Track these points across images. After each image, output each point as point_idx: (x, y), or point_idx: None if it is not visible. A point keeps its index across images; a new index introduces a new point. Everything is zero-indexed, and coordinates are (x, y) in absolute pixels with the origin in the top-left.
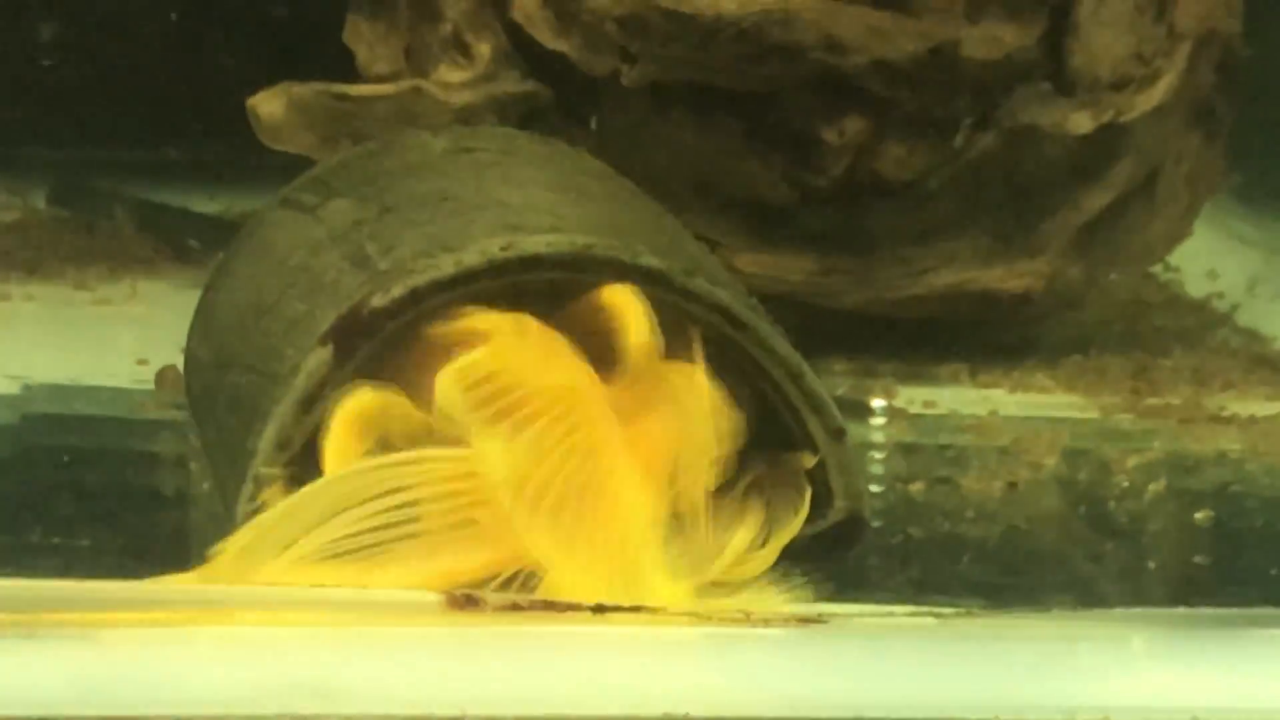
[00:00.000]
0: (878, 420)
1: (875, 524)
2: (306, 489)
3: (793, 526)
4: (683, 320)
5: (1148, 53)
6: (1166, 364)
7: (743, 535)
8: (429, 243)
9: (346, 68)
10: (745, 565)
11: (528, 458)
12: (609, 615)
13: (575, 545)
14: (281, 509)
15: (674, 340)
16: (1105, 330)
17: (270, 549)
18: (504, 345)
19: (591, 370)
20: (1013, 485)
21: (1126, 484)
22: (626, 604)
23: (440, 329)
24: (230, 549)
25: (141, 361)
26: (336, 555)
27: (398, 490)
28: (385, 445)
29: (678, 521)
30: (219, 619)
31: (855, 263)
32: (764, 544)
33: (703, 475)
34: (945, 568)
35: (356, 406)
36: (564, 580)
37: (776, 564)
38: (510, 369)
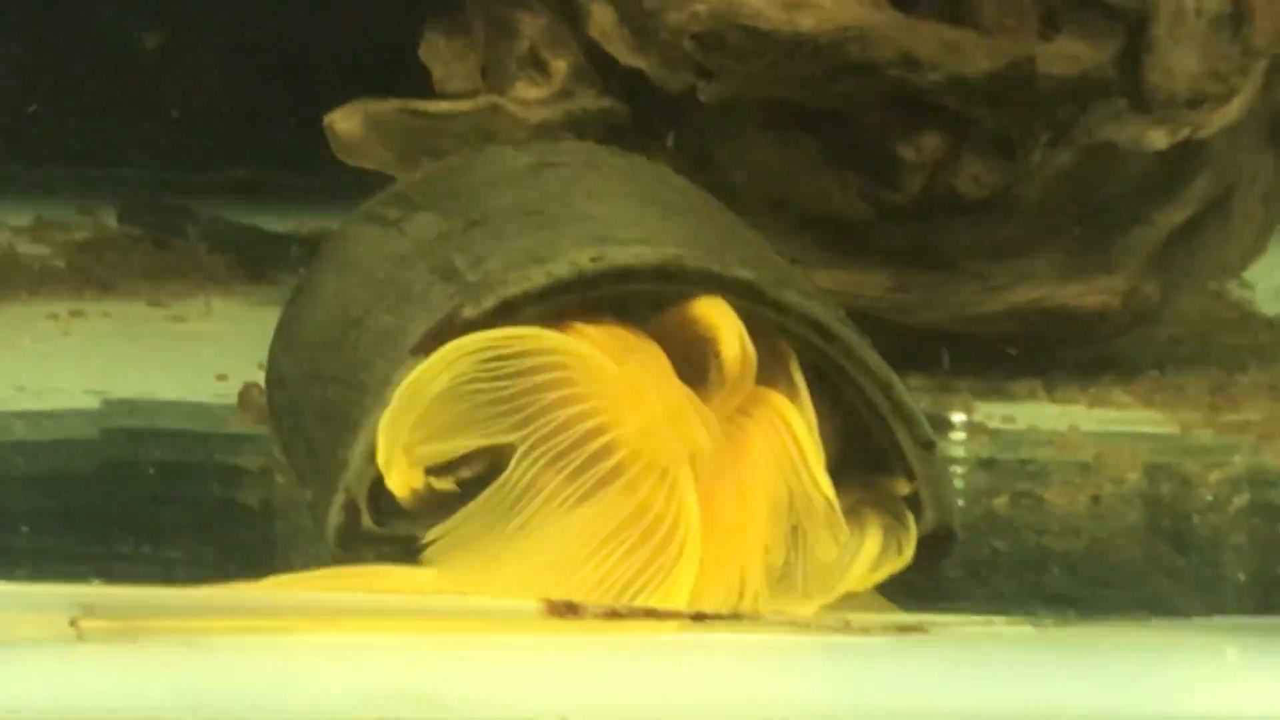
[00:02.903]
0: (958, 435)
1: (960, 537)
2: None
3: (904, 555)
4: (774, 337)
5: (1223, 70)
6: (1243, 380)
7: (869, 551)
8: (518, 255)
9: (423, 85)
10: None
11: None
12: (708, 623)
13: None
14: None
15: (767, 358)
16: (1180, 347)
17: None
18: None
19: (689, 393)
20: (1096, 499)
21: (1210, 498)
22: (725, 611)
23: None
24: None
25: (221, 377)
26: None
27: None
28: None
29: (801, 540)
30: (320, 625)
31: (931, 279)
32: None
33: (813, 492)
34: (1031, 581)
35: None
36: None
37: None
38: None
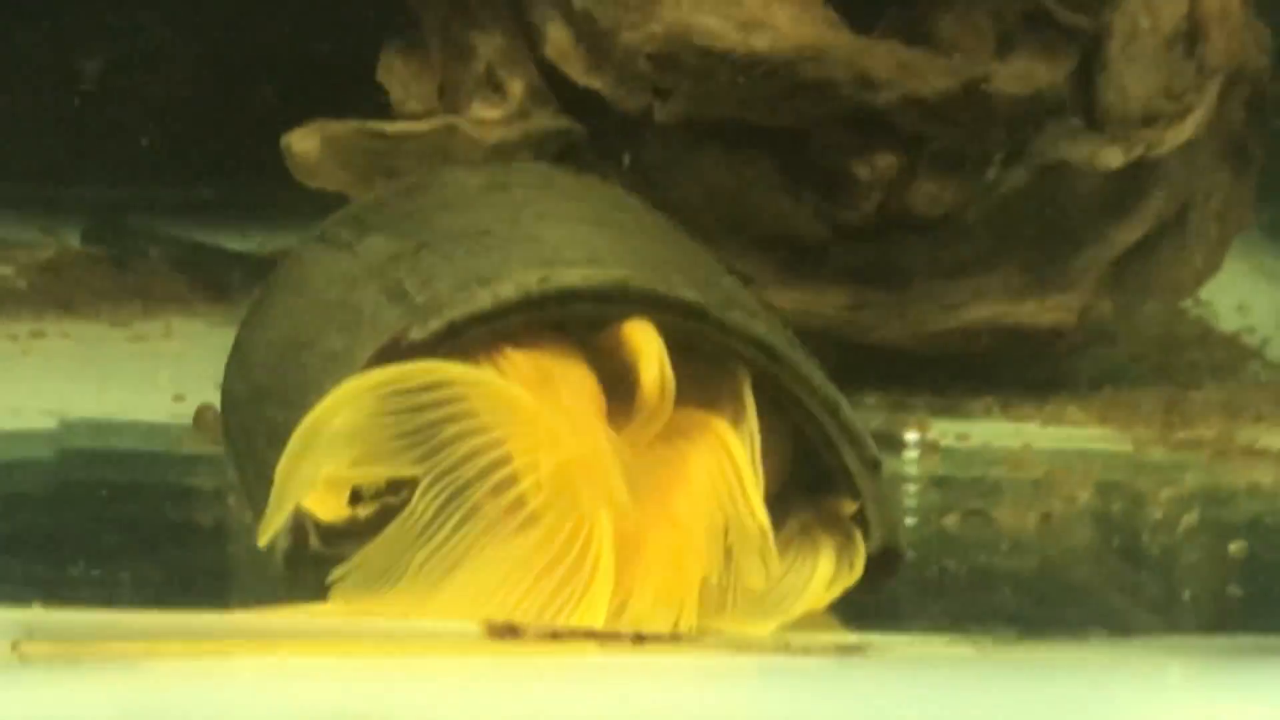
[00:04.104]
0: (911, 453)
1: (910, 556)
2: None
3: (855, 571)
4: (725, 358)
5: (1178, 88)
6: (1198, 397)
7: (823, 571)
8: (466, 277)
9: (380, 106)
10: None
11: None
12: (649, 644)
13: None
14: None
15: (716, 378)
16: (1137, 364)
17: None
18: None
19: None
20: (1047, 517)
21: (1160, 516)
22: (667, 632)
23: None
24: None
25: (178, 398)
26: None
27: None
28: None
29: (733, 567)
30: (262, 649)
31: (887, 298)
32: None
33: (748, 521)
34: (980, 599)
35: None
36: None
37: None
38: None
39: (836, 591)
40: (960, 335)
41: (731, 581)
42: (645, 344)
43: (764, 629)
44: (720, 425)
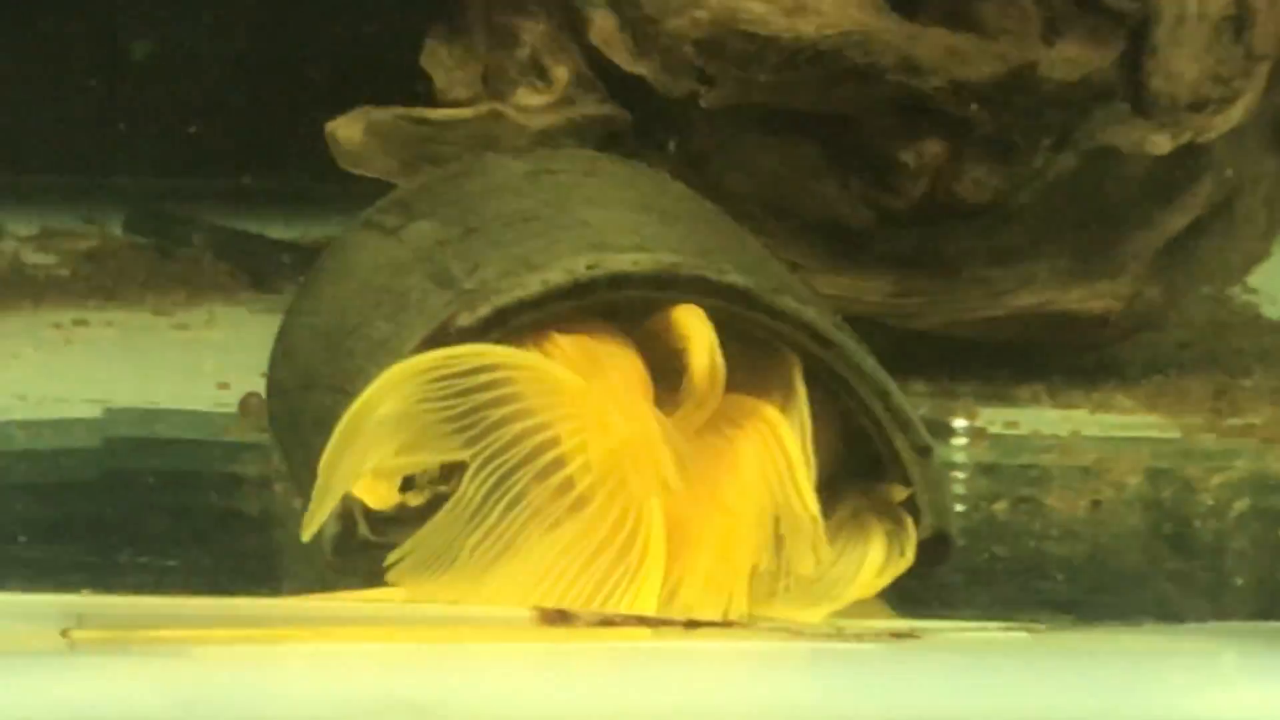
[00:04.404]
0: (959, 440)
1: (960, 543)
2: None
3: (906, 557)
4: (775, 344)
5: (1226, 74)
6: (1247, 384)
7: (874, 557)
8: (514, 262)
9: (424, 93)
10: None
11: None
12: (701, 630)
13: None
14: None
15: (767, 364)
16: (1184, 351)
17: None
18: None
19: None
20: (1097, 504)
21: (1211, 503)
22: (718, 619)
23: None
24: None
25: (222, 385)
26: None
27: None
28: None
29: (783, 554)
30: (313, 635)
31: (934, 284)
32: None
33: (799, 508)
34: (1031, 586)
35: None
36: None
37: None
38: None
39: (888, 578)
40: (1007, 322)
41: (782, 568)
42: (695, 330)
43: (815, 616)
44: (770, 412)
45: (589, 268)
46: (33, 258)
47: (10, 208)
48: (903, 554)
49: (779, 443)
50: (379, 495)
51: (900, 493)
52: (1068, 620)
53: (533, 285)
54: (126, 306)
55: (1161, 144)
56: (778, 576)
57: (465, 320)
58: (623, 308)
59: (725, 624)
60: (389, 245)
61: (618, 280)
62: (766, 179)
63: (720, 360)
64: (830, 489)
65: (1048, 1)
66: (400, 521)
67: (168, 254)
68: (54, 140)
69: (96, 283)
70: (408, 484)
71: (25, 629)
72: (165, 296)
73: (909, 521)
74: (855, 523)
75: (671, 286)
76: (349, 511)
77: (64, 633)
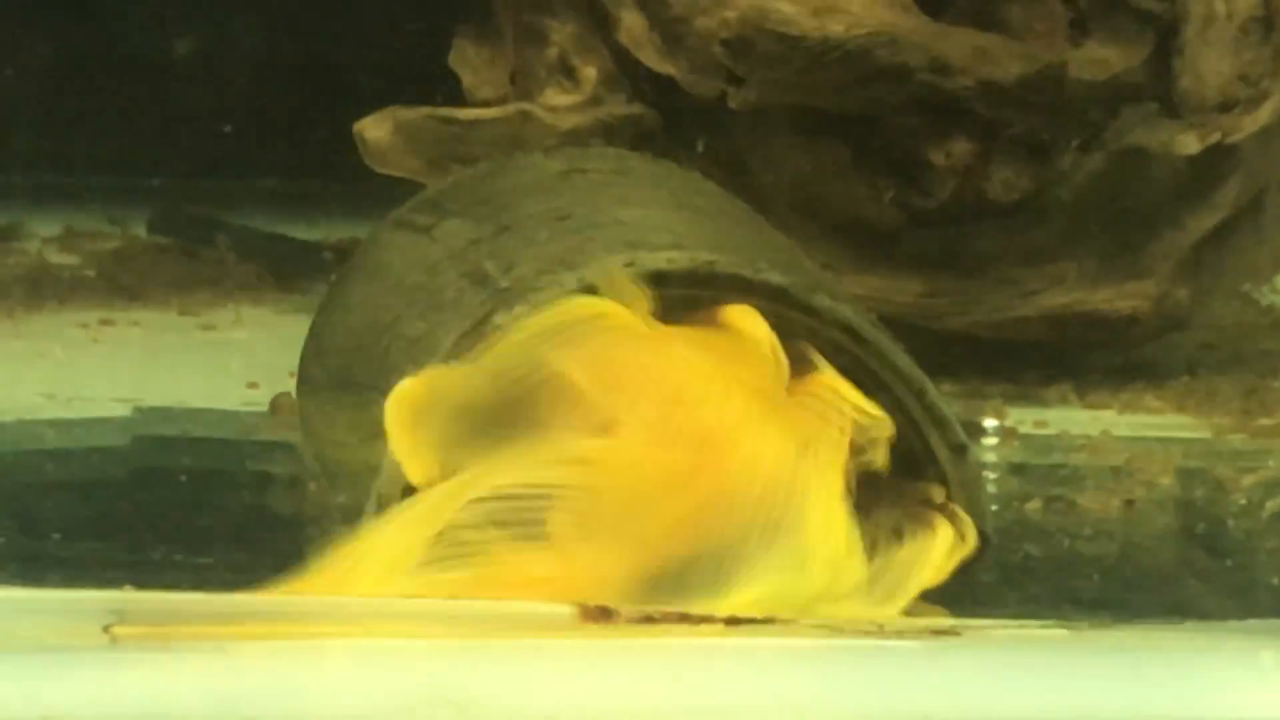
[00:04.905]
0: (990, 440)
1: (994, 542)
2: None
3: (968, 543)
4: (802, 342)
5: (1254, 74)
6: (1276, 385)
7: (941, 544)
8: (550, 261)
9: (453, 92)
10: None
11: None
12: (742, 627)
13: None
14: (398, 518)
15: (796, 362)
16: (1212, 352)
17: (386, 556)
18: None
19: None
20: (1129, 504)
21: (1243, 502)
22: (759, 616)
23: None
24: (347, 556)
25: (251, 385)
26: (446, 559)
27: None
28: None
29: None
30: (352, 631)
31: (962, 285)
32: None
33: (868, 414)
34: (1065, 585)
35: (401, 397)
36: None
37: None
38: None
39: (952, 564)
40: (1036, 322)
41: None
42: (754, 329)
43: (890, 610)
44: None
45: (626, 265)
46: (57, 258)
47: (35, 208)
48: (964, 539)
49: (840, 396)
50: (423, 469)
51: (939, 493)
52: (1104, 618)
53: (569, 283)
54: (152, 307)
55: (1190, 144)
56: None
57: (502, 318)
58: (658, 306)
59: (766, 621)
60: (421, 244)
61: (655, 278)
62: (795, 179)
63: (784, 358)
64: (869, 488)
65: (1075, 1)
66: None
67: (193, 254)
68: (78, 141)
69: (122, 283)
70: None
71: (67, 625)
72: (191, 297)
73: (957, 509)
74: (909, 517)
75: (708, 284)
76: (386, 508)
77: (106, 629)
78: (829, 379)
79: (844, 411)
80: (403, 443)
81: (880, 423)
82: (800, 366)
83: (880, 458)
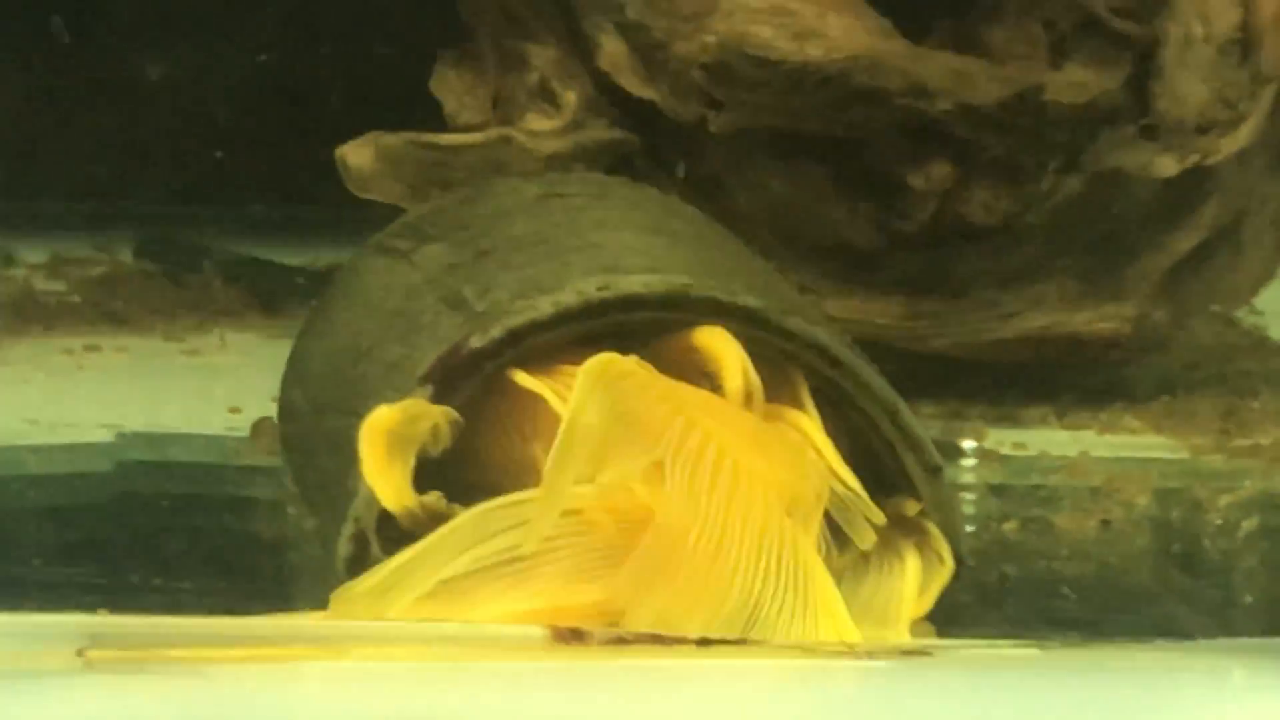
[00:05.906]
0: (969, 461)
1: (970, 563)
2: (436, 532)
3: (947, 564)
4: (783, 363)
5: (1232, 96)
6: (1254, 405)
7: (912, 572)
8: (526, 285)
9: (434, 118)
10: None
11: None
12: (714, 648)
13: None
14: (411, 552)
15: (776, 383)
16: (1191, 373)
17: (399, 590)
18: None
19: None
20: (1106, 524)
21: (1219, 522)
22: (731, 637)
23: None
24: (358, 590)
25: (234, 410)
26: (450, 592)
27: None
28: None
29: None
30: (327, 654)
31: (942, 306)
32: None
33: (842, 490)
34: (1041, 605)
35: (377, 425)
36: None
37: None
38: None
39: (937, 587)
40: (1016, 344)
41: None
42: (726, 351)
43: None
44: (792, 414)
45: (600, 289)
46: (43, 284)
47: (21, 235)
48: (942, 561)
49: (807, 437)
50: (396, 494)
51: (913, 508)
52: (1078, 638)
53: (545, 307)
54: (138, 332)
55: (1168, 166)
56: (843, 562)
57: (478, 342)
58: (634, 329)
59: (738, 642)
60: (400, 269)
61: (629, 302)
62: (775, 202)
63: (755, 379)
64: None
65: (1053, 25)
66: (412, 542)
67: (178, 280)
68: (64, 168)
69: (107, 309)
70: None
71: (41, 649)
72: (176, 322)
73: (933, 529)
74: (884, 542)
75: (683, 308)
76: (361, 532)
77: (79, 652)
78: (807, 425)
79: (820, 469)
80: (377, 468)
81: (859, 502)
82: (780, 393)
83: (864, 539)
